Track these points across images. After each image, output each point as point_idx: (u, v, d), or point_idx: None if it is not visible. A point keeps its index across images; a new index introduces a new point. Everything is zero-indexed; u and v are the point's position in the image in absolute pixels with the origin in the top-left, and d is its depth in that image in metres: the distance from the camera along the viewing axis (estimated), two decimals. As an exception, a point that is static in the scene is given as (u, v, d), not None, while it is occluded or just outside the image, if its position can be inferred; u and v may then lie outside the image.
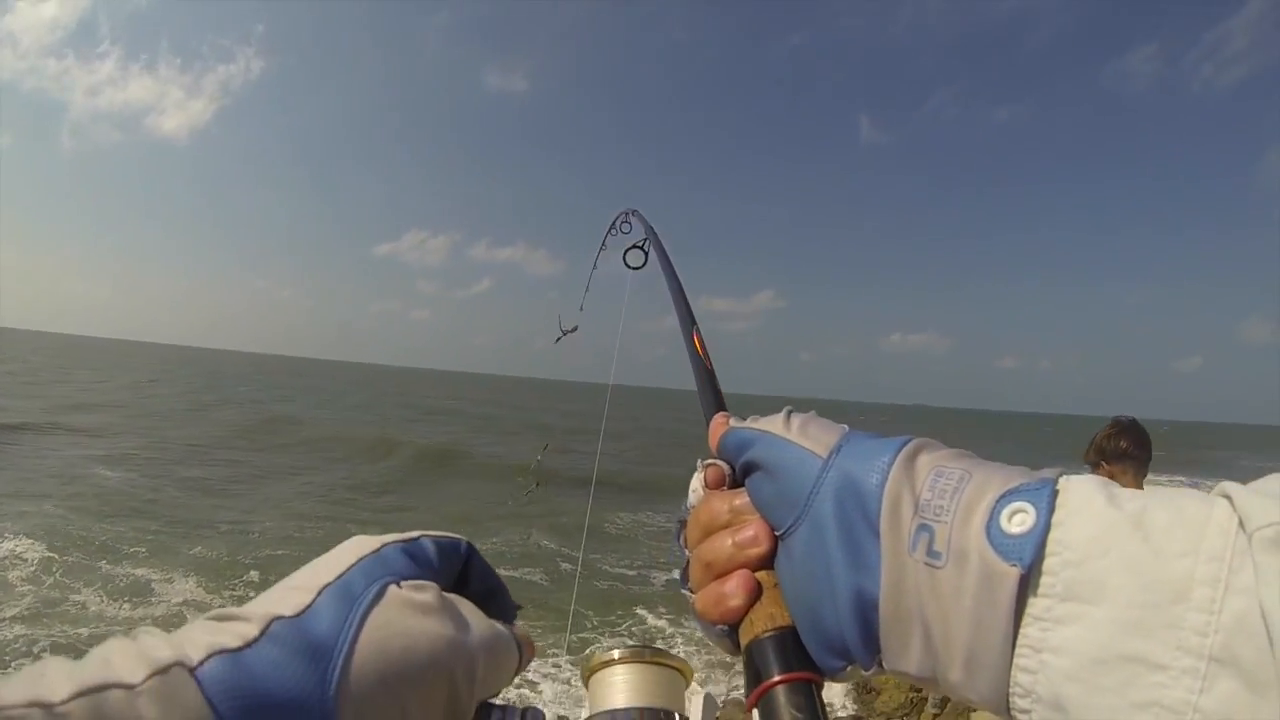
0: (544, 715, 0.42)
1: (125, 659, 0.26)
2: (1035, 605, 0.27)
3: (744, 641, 0.36)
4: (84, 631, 6.65)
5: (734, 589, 0.38)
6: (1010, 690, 0.28)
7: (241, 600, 0.32)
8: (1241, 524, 0.25)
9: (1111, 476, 0.62)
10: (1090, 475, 0.30)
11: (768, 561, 0.38)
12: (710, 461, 0.44)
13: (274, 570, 8.67)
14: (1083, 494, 0.29)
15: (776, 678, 0.33)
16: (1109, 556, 0.26)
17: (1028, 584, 0.27)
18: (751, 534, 0.39)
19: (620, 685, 0.49)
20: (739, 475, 0.42)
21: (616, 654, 0.50)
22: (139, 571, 8.46)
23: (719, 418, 0.46)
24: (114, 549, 9.09)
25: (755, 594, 0.37)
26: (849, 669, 0.34)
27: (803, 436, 0.38)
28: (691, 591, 0.42)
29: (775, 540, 0.38)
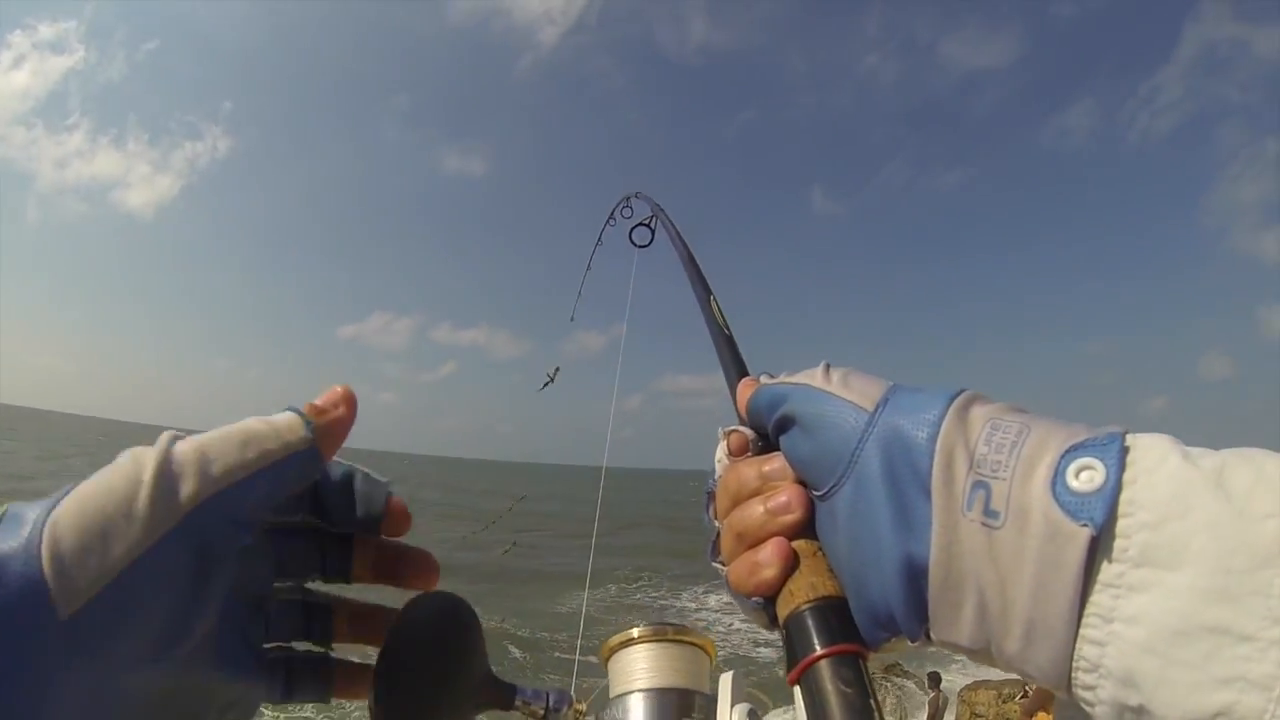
0: (571, 698, 0.41)
1: None
2: (1106, 571, 0.25)
3: (782, 615, 0.34)
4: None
5: (768, 558, 0.36)
6: (1074, 664, 0.26)
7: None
8: None
9: None
10: (1159, 434, 0.28)
11: (804, 529, 0.36)
12: (731, 428, 0.42)
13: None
14: (1156, 451, 0.26)
15: (819, 651, 0.31)
16: (1188, 518, 0.24)
17: (1096, 547, 0.25)
18: (785, 500, 0.36)
19: (640, 665, 0.47)
20: (772, 435, 0.40)
21: (636, 632, 0.47)
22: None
23: (746, 381, 0.44)
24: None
25: (792, 563, 0.35)
26: (894, 640, 0.32)
27: (844, 389, 0.35)
28: (723, 564, 0.40)
29: (811, 505, 0.36)
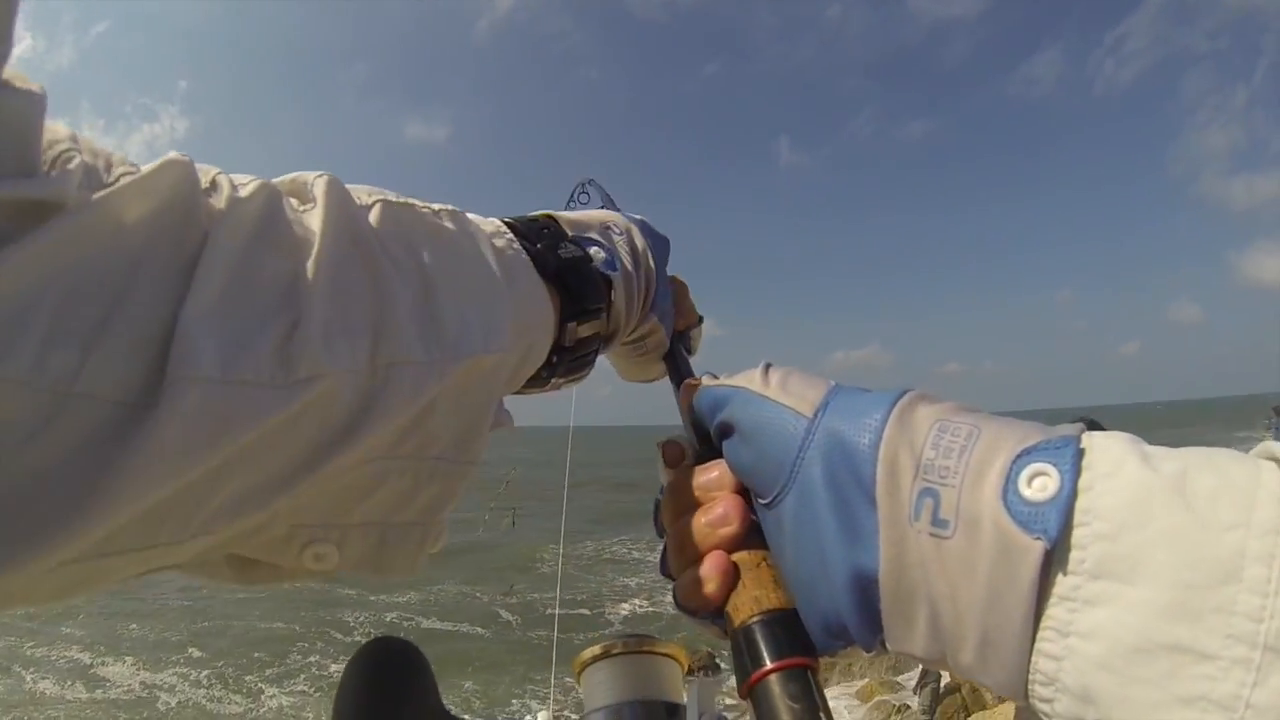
0: None
1: None
2: (1061, 584, 0.24)
3: (730, 629, 0.34)
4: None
5: (708, 573, 0.35)
6: (1030, 678, 0.25)
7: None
8: None
9: None
10: (1117, 432, 0.27)
11: (747, 539, 0.35)
12: (665, 439, 0.41)
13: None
14: (1112, 454, 0.25)
15: (768, 666, 0.31)
16: (1147, 529, 0.23)
17: (1051, 560, 0.24)
18: (722, 512, 0.35)
19: (612, 679, 0.47)
20: (715, 440, 0.38)
21: (604, 647, 0.48)
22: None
23: (689, 383, 0.43)
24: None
25: (732, 578, 0.35)
26: (850, 649, 0.32)
27: (783, 393, 0.34)
28: (671, 578, 0.39)
29: (749, 516, 0.36)
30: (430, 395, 0.27)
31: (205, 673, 7.60)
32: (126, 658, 7.89)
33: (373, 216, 0.28)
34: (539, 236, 0.38)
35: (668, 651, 0.48)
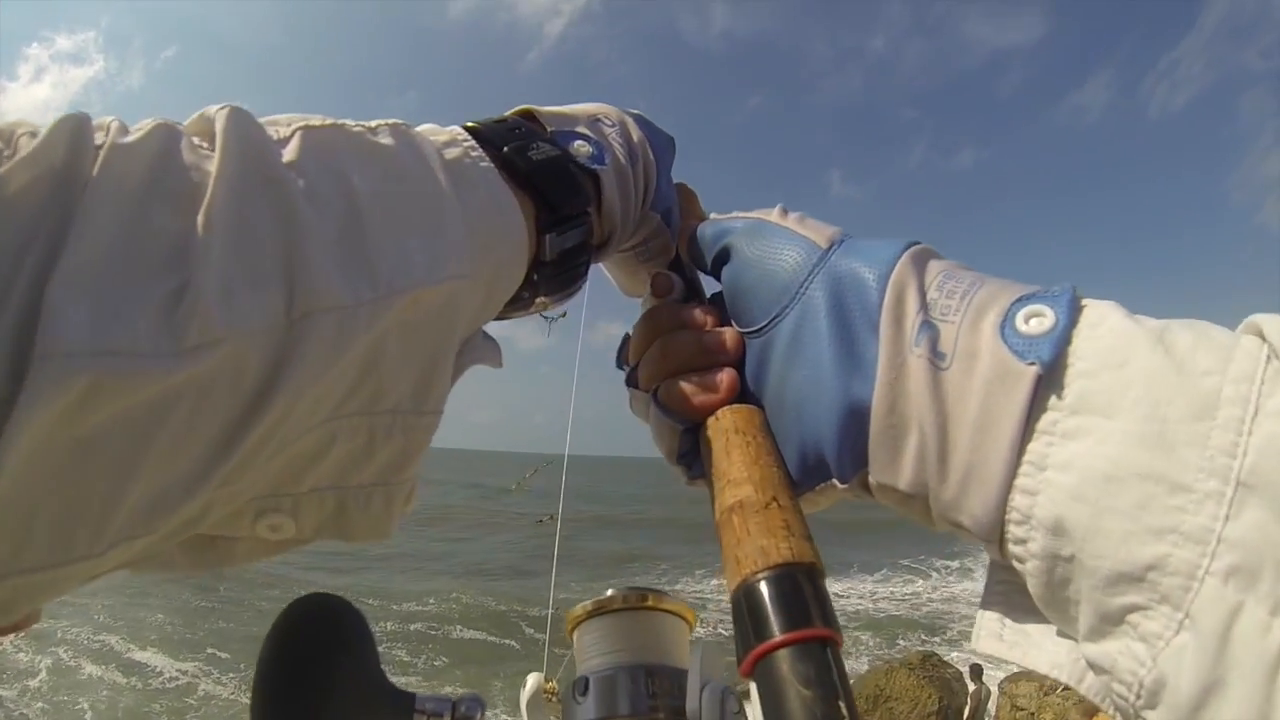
0: (482, 704, 0.35)
1: None
2: (1043, 420, 0.24)
3: (732, 585, 0.28)
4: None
5: (713, 383, 0.34)
6: (1007, 515, 0.25)
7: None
8: (1273, 351, 0.22)
9: None
10: (1108, 300, 0.28)
11: (737, 387, 0.34)
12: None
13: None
14: (1100, 308, 0.26)
15: (775, 638, 0.25)
16: (1127, 368, 0.24)
17: (1040, 388, 0.25)
18: (721, 338, 0.35)
19: (607, 639, 0.40)
20: (712, 267, 0.37)
21: (602, 600, 0.41)
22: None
23: (689, 221, 0.41)
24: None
25: (734, 391, 0.34)
26: (821, 487, 0.31)
27: (800, 225, 0.34)
28: (634, 385, 0.38)
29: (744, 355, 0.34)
30: (362, 344, 0.23)
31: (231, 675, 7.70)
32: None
33: (291, 147, 0.25)
34: (508, 138, 0.33)
35: (674, 609, 0.40)
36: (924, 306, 0.28)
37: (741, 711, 0.34)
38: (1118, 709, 0.23)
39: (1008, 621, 0.27)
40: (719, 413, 0.33)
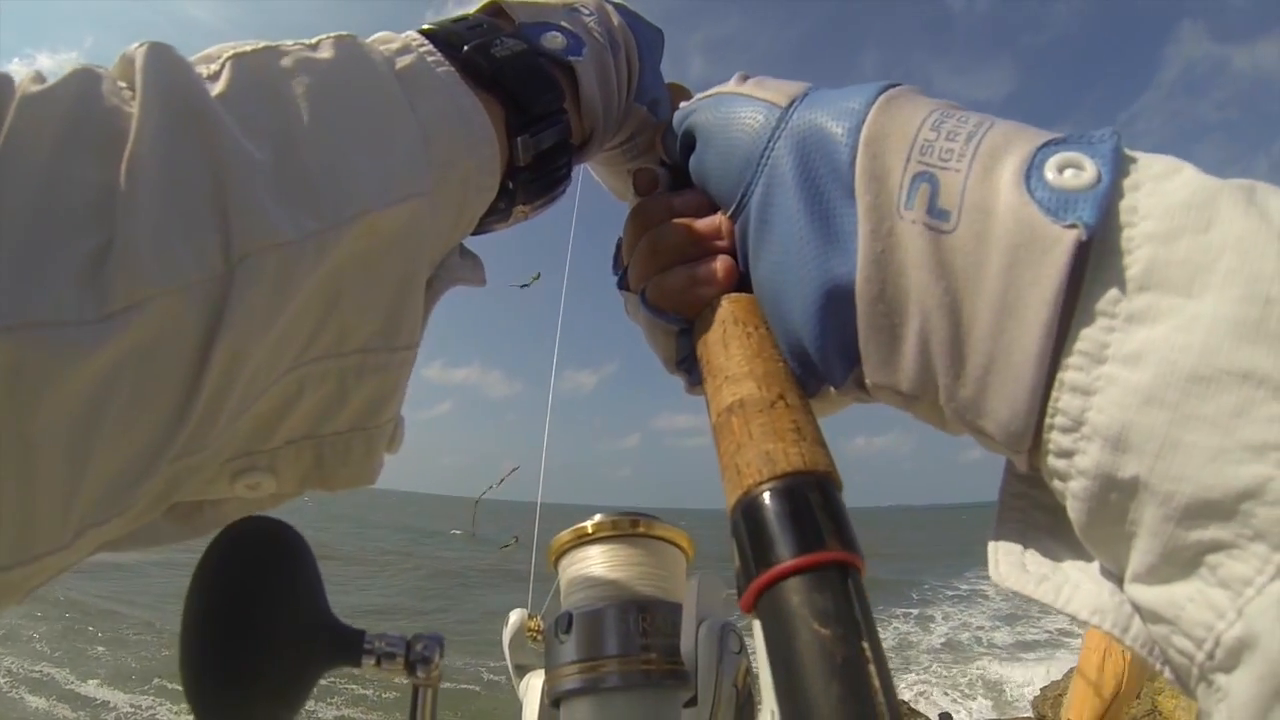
0: (440, 642, 0.32)
1: None
2: (1096, 296, 0.19)
3: (729, 502, 0.24)
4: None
5: (708, 274, 0.30)
6: (1048, 423, 0.20)
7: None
8: None
9: None
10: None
11: (732, 276, 0.30)
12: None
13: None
14: (1165, 160, 0.21)
15: (784, 562, 0.20)
16: (1211, 231, 0.18)
17: (1085, 258, 0.19)
18: (715, 223, 0.30)
19: (593, 569, 0.35)
20: (681, 157, 0.34)
21: (590, 526, 0.36)
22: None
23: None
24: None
25: (732, 280, 0.30)
26: (819, 392, 0.27)
27: (757, 89, 0.30)
28: (626, 288, 0.34)
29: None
30: (314, 281, 0.22)
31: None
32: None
33: (222, 80, 0.23)
34: (468, 37, 0.31)
35: (669, 536, 0.35)
36: (914, 152, 0.23)
37: (743, 650, 0.29)
38: (1174, 669, 0.19)
39: (1031, 551, 0.22)
40: (715, 303, 0.30)
